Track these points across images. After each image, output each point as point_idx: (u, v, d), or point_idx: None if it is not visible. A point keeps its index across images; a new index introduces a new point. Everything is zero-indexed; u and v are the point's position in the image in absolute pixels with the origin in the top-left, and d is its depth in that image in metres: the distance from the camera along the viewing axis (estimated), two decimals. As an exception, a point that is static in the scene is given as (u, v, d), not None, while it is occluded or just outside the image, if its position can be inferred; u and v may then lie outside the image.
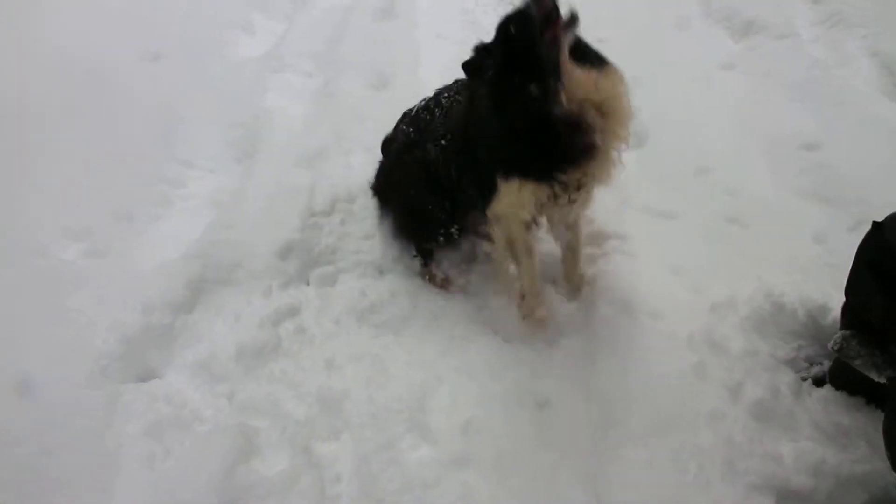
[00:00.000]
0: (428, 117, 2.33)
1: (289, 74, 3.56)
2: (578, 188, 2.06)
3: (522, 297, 2.24)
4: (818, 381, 2.03)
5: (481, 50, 2.02)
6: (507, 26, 1.90)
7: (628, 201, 2.64)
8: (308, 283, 2.49)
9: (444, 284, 2.47)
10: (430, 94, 2.42)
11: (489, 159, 2.07)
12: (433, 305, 2.36)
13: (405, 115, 2.49)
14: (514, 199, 2.07)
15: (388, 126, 2.61)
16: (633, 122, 2.01)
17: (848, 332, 1.89)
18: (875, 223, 1.81)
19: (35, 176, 2.88)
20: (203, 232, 2.62)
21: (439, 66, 3.51)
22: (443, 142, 2.23)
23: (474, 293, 2.43)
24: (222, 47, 3.73)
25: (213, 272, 2.47)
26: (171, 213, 2.79)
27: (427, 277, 2.48)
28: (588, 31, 3.52)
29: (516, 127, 1.94)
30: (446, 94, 2.33)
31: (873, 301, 1.81)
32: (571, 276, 2.40)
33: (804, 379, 2.04)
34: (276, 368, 2.20)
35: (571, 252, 2.37)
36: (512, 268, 2.25)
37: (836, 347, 1.93)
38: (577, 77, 1.88)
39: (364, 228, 2.61)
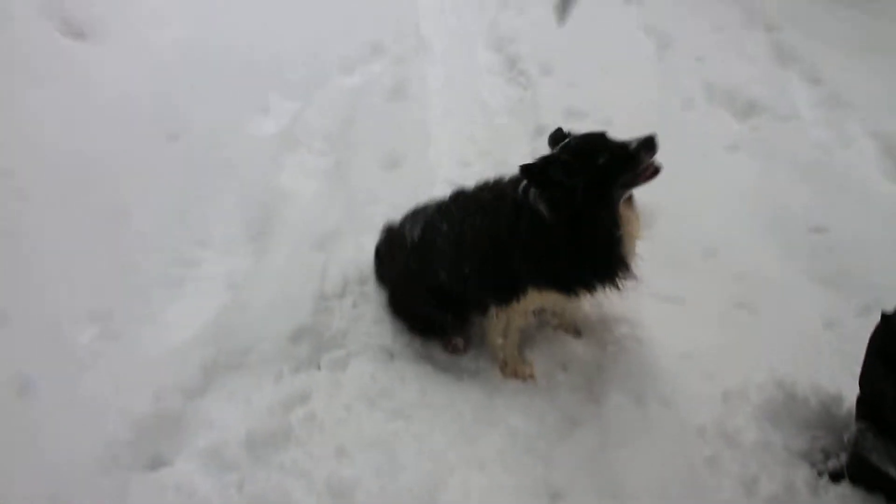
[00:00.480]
0: (431, 238, 2.42)
1: (303, 154, 3.64)
2: None
3: (505, 363, 2.43)
4: (835, 476, 1.98)
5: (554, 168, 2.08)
6: (596, 155, 2.03)
7: (637, 285, 2.65)
8: (319, 368, 2.48)
9: (456, 349, 2.55)
10: (432, 202, 2.55)
11: (534, 276, 2.22)
12: (443, 392, 2.35)
13: (406, 218, 2.60)
14: (538, 301, 2.31)
15: (398, 207, 2.67)
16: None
17: (863, 425, 1.88)
18: (884, 315, 1.82)
19: (54, 253, 2.91)
20: (217, 315, 2.65)
21: (449, 146, 3.61)
22: (466, 269, 2.33)
23: (484, 379, 2.43)
24: (239, 126, 3.80)
25: (226, 356, 2.48)
26: (186, 294, 2.82)
27: (449, 349, 2.55)
28: (597, 112, 3.62)
29: (586, 253, 2.12)
30: (446, 221, 2.40)
31: (885, 392, 1.80)
32: (566, 324, 2.58)
33: (820, 474, 2.00)
34: (286, 457, 2.17)
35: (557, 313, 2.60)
36: (499, 340, 2.42)
37: (851, 440, 1.91)
38: (626, 215, 2.14)
39: (375, 311, 2.63)
